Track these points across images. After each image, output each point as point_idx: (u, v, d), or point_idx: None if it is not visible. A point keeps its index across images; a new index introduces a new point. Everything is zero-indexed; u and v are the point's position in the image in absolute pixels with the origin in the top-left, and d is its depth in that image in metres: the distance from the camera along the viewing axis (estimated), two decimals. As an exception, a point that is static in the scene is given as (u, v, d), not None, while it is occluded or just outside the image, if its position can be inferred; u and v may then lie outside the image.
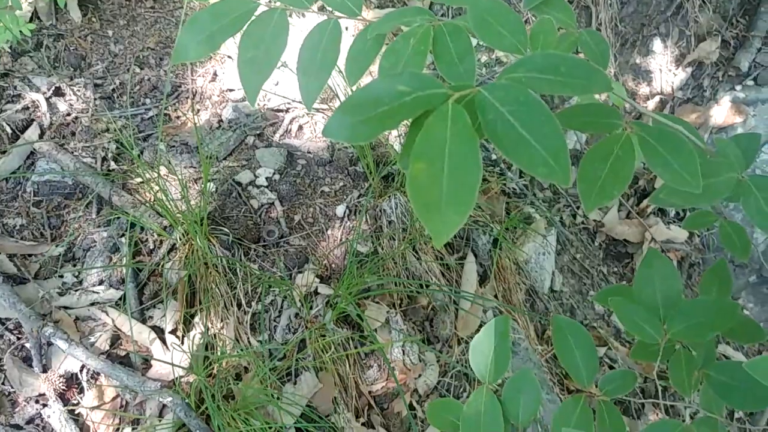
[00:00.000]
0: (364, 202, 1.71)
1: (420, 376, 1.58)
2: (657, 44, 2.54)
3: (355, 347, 1.53)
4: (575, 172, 0.70)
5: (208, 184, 1.63)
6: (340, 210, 1.71)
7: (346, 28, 2.01)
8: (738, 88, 2.37)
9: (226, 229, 1.56)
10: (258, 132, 1.82)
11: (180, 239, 1.50)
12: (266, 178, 1.72)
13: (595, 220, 2.38)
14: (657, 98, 2.52)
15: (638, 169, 2.45)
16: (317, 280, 1.59)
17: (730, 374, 0.78)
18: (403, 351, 1.57)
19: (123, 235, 1.52)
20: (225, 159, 1.74)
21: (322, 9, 0.76)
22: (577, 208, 2.36)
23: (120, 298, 1.46)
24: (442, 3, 0.74)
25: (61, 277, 1.47)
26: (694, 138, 0.70)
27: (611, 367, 1.96)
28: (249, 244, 1.60)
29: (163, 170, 1.64)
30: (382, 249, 1.65)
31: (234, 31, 0.72)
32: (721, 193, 0.67)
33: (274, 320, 1.53)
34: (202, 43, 0.72)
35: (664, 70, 2.56)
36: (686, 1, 2.50)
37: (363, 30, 0.72)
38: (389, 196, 1.70)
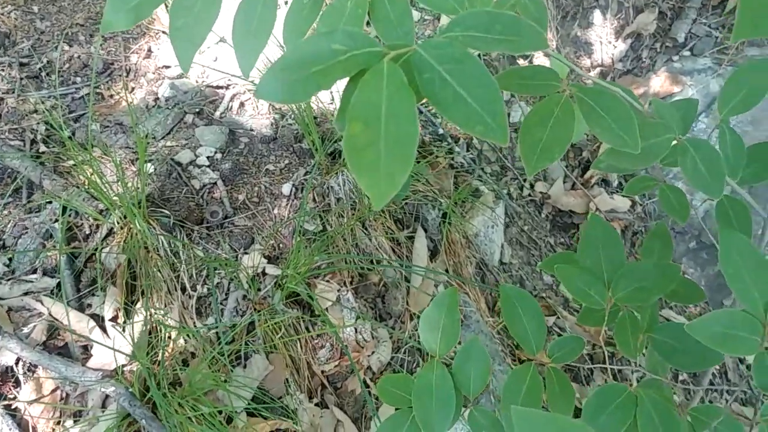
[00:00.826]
0: (311, 179, 1.68)
1: (373, 353, 1.57)
2: (597, 16, 2.57)
3: (306, 327, 1.50)
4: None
5: (147, 165, 1.57)
6: (286, 188, 1.67)
7: None
8: (675, 58, 2.42)
9: (166, 211, 1.51)
10: (197, 110, 1.76)
11: (117, 223, 1.44)
12: (207, 158, 1.67)
13: (541, 192, 2.41)
14: (598, 70, 2.56)
15: (581, 141, 2.49)
16: (264, 260, 1.55)
17: (673, 336, 0.79)
18: (356, 329, 1.56)
19: (56, 220, 1.44)
20: (163, 138, 1.68)
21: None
22: (524, 180, 2.39)
23: (55, 286, 1.39)
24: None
25: (-9, 266, 1.39)
26: (632, 100, 0.70)
27: (560, 336, 1.99)
28: (192, 226, 1.55)
29: (97, 152, 1.56)
30: (331, 227, 1.63)
31: (162, -3, 0.68)
32: (658, 154, 0.67)
33: (221, 303, 1.49)
34: (131, 11, 0.68)
35: (604, 42, 2.60)
36: (624, -26, 2.53)
37: (297, -8, 0.69)
38: (336, 173, 1.68)
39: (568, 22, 2.58)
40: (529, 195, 2.36)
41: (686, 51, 2.42)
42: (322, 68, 0.49)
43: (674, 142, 0.70)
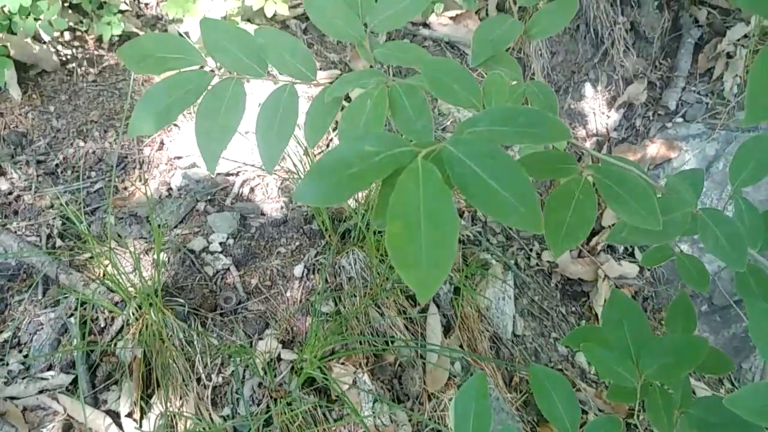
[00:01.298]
0: (323, 260, 1.69)
1: (392, 436, 1.53)
2: (588, 89, 2.66)
3: (324, 414, 1.48)
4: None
5: (161, 254, 1.58)
6: (298, 270, 1.68)
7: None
8: (669, 125, 2.49)
9: (181, 300, 1.51)
10: (209, 197, 1.79)
11: (133, 314, 1.44)
12: (220, 243, 1.69)
13: (549, 262, 2.42)
14: (594, 139, 2.62)
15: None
16: (279, 345, 1.54)
17: (710, 410, 0.78)
18: (373, 412, 1.53)
19: (72, 314, 1.45)
20: (176, 227, 1.70)
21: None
22: (530, 250, 2.40)
23: (71, 383, 1.38)
24: (388, 63, 0.75)
25: (7, 365, 1.38)
26: (645, 176, 0.73)
27: (582, 410, 1.96)
28: (206, 314, 1.55)
29: (112, 244, 1.58)
30: (344, 307, 1.63)
31: (190, 102, 0.72)
32: (679, 229, 0.69)
33: (237, 392, 1.47)
34: (158, 116, 0.71)
35: (598, 112, 2.68)
36: (611, 48, 2.64)
37: (320, 93, 0.73)
38: (347, 252, 1.69)
39: (561, 96, 2.66)
40: (537, 264, 2.37)
41: (678, 118, 2.49)
42: (357, 171, 0.52)
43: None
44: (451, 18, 2.48)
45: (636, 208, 0.64)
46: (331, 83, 0.73)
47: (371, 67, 0.74)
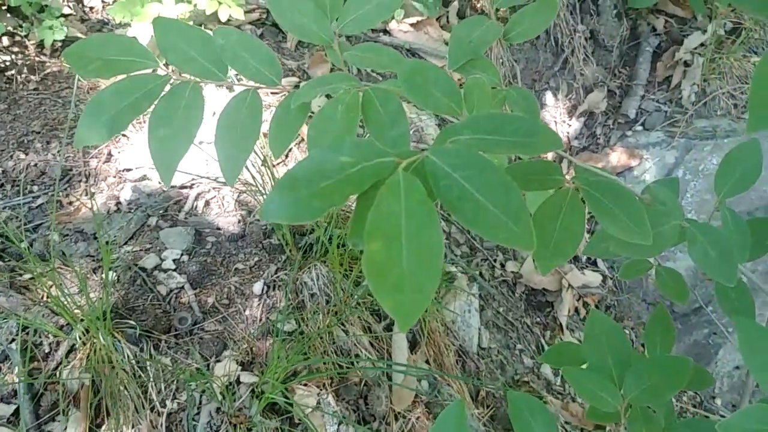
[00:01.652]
0: (284, 276, 1.62)
1: (359, 458, 1.47)
2: (549, 98, 2.66)
3: (287, 437, 1.40)
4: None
5: (110, 273, 1.48)
6: (258, 287, 1.60)
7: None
8: (629, 133, 2.50)
9: (132, 322, 1.42)
10: (161, 212, 1.70)
11: (80, 338, 1.34)
12: (173, 261, 1.59)
13: (512, 272, 2.39)
14: (556, 149, 2.62)
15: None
16: (239, 367, 1.46)
17: (696, 432, 0.75)
18: (339, 434, 1.46)
19: (13, 340, 1.34)
20: (126, 244, 1.60)
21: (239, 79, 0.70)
22: (494, 260, 2.37)
23: (13, 414, 1.27)
24: (361, 66, 0.70)
25: (-63, 398, 1.26)
26: (630, 188, 0.69)
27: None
28: (159, 336, 1.45)
29: (56, 263, 1.48)
30: (307, 326, 1.56)
31: (142, 109, 0.65)
32: (667, 242, 0.65)
33: (193, 419, 1.38)
34: (108, 124, 0.64)
35: (559, 121, 2.68)
36: (571, 56, 2.65)
37: (286, 99, 0.67)
38: (309, 268, 1.62)
39: (523, 105, 2.66)
40: (501, 275, 2.35)
41: (638, 126, 2.51)
42: (332, 183, 0.46)
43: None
44: (411, 25, 2.45)
45: (626, 222, 0.60)
46: (296, 87, 0.67)
47: (339, 70, 0.69)
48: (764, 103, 0.48)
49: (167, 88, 0.65)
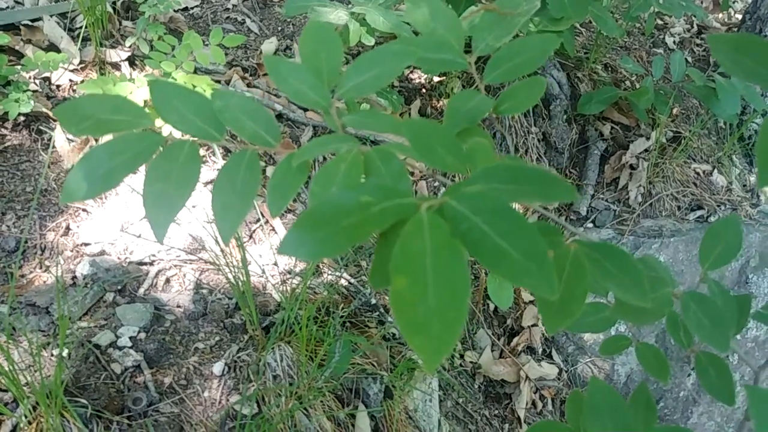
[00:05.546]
0: (245, 356, 1.56)
1: None
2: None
3: None
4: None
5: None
6: (218, 368, 1.54)
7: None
8: (581, 230, 2.60)
9: (83, 401, 1.33)
10: (119, 287, 1.64)
11: (26, 417, 1.24)
12: (130, 338, 1.52)
13: (471, 362, 2.37)
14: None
15: (505, 310, 2.53)
16: (194, 452, 1.37)
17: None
18: None
19: (-54, 419, 1.23)
20: (80, 319, 1.53)
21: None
22: (453, 350, 2.36)
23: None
24: (359, 130, 0.72)
25: None
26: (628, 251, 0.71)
27: None
28: (111, 417, 1.36)
29: (2, 337, 1.39)
30: (269, 409, 1.49)
31: (136, 166, 0.64)
32: (663, 308, 0.67)
33: None
34: (99, 180, 0.63)
35: (514, 216, 2.77)
36: (525, 155, 2.78)
37: (286, 158, 0.68)
38: (273, 348, 1.57)
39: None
40: (461, 365, 2.33)
41: (589, 223, 2.62)
42: (354, 221, 0.47)
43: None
44: (375, 118, 2.54)
45: (627, 284, 0.62)
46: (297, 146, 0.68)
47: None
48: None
49: (160, 149, 0.66)
